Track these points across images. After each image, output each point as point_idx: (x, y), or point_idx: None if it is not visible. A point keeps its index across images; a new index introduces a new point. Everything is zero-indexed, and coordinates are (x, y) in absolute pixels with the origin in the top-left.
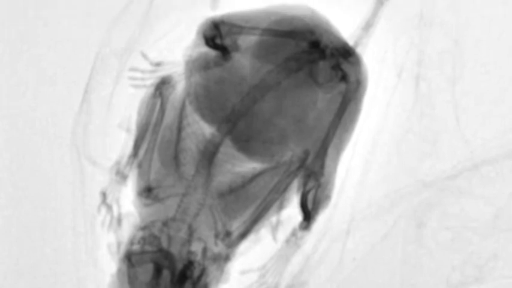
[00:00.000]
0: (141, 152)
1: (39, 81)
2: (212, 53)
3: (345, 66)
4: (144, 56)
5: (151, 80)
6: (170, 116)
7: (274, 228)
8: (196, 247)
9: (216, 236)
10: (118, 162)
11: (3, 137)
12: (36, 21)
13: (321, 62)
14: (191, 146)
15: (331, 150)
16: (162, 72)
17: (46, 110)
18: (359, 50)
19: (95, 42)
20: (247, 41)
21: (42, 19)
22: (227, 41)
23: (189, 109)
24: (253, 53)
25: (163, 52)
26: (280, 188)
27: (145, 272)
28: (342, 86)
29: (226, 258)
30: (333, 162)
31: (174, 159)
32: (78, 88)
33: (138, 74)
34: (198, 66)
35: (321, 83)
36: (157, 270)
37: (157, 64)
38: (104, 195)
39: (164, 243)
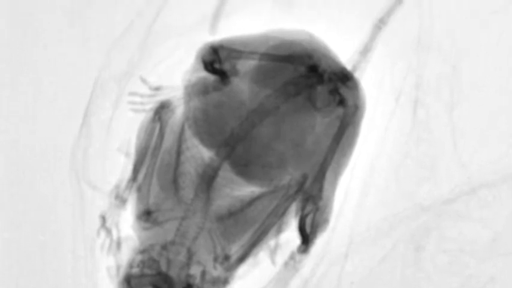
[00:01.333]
0: (140, 176)
1: (39, 105)
2: (211, 77)
3: (343, 90)
4: (144, 80)
5: (151, 105)
6: (169, 140)
7: (273, 252)
8: (195, 270)
9: (215, 259)
10: (117, 186)
11: (3, 161)
12: (36, 44)
13: (319, 86)
14: (190, 170)
15: (329, 174)
16: (161, 96)
17: (45, 134)
18: (357, 75)
19: (95, 66)
20: (246, 65)
21: (41, 43)
22: (226, 66)
23: (188, 133)
24: (252, 78)
25: (162, 77)
26: (279, 212)
27: None
28: (340, 111)
29: (225, 281)
30: (331, 186)
31: (173, 183)
32: (78, 112)
33: (138, 99)
34: (197, 90)
35: (319, 107)
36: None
37: (157, 88)
38: (103, 218)
39: (163, 267)
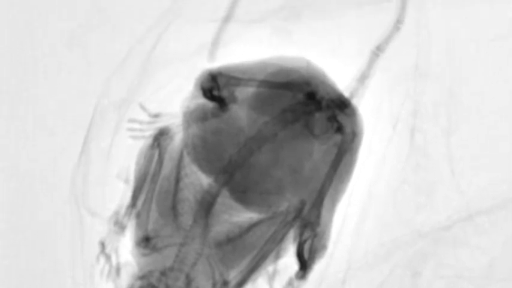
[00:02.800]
0: (140, 203)
1: (39, 132)
2: (210, 104)
3: (341, 117)
4: (143, 107)
5: (150, 131)
6: (168, 166)
7: (271, 278)
8: None
9: (214, 285)
10: (116, 213)
11: (3, 186)
12: (36, 71)
13: (317, 113)
14: (189, 197)
15: (327, 201)
16: (160, 123)
17: (45, 161)
18: (355, 102)
19: (94, 92)
20: (244, 92)
21: (41, 70)
22: (224, 93)
23: (187, 160)
24: (250, 105)
25: (161, 103)
26: (277, 238)
27: None
28: (338, 137)
29: None
30: (328, 212)
31: (172, 209)
32: (77, 139)
33: (137, 125)
34: (195, 117)
35: (317, 134)
36: None
37: (156, 115)
38: (102, 245)
39: None
